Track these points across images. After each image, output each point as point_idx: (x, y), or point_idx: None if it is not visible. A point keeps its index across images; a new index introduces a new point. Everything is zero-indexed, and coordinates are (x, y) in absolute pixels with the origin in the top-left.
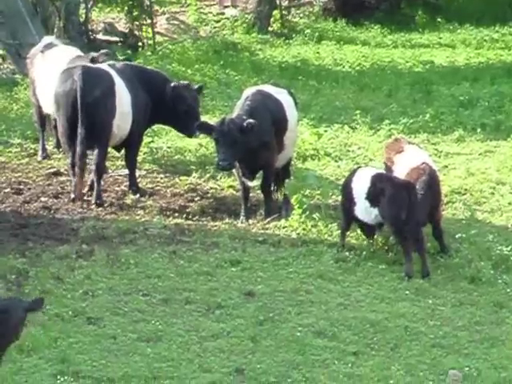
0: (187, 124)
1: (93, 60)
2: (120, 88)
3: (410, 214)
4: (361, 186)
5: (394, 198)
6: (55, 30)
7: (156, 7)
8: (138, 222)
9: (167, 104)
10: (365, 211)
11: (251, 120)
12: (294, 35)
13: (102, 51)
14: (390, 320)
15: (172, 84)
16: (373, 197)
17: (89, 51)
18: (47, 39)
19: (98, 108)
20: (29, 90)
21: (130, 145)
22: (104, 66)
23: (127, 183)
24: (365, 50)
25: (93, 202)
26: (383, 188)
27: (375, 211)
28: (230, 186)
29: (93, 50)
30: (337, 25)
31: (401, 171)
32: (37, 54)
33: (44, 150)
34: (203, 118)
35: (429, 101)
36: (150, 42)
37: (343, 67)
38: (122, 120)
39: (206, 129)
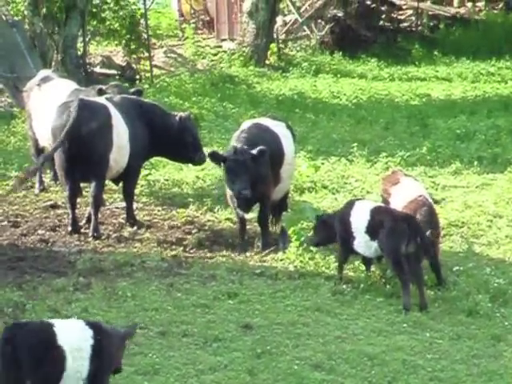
0: (193, 153)
1: (100, 92)
2: (117, 121)
3: (409, 247)
4: (360, 220)
5: (394, 230)
6: (53, 63)
7: (153, 40)
8: (136, 254)
9: (170, 136)
10: (365, 245)
11: (262, 147)
12: (291, 68)
13: (112, 83)
14: (387, 353)
15: (178, 116)
16: (372, 230)
17: (86, 84)
18: (44, 73)
19: (93, 141)
20: (26, 123)
21: (128, 178)
22: (101, 99)
23: (124, 216)
24: (362, 82)
25: (90, 234)
26: (382, 220)
27: (375, 244)
28: (228, 219)
29: (90, 83)
30: (334, 58)
31: (397, 203)
32: (34, 88)
33: (41, 182)
34: None
35: (426, 134)
36: (148, 74)
37: (340, 100)
38: (119, 153)
39: (218, 158)
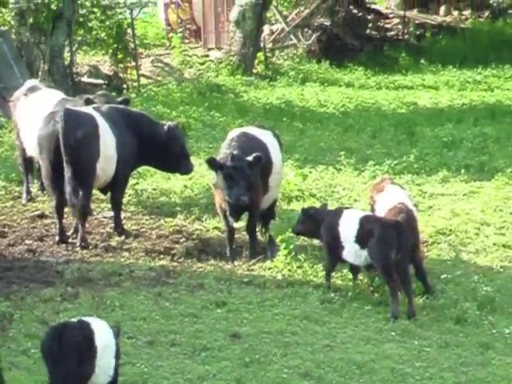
0: (181, 163)
1: (87, 102)
2: (104, 130)
3: (398, 254)
4: (349, 230)
5: (383, 238)
6: (40, 73)
7: (140, 50)
8: (123, 264)
9: (157, 145)
10: (354, 254)
11: (258, 153)
12: (278, 77)
13: (99, 92)
14: (376, 361)
15: (166, 125)
16: (362, 239)
17: (73, 94)
18: (31, 82)
19: (79, 150)
20: (13, 132)
21: (116, 187)
22: (88, 109)
23: (112, 225)
24: (349, 91)
25: (77, 244)
26: (372, 229)
27: (365, 253)
28: (216, 228)
29: (77, 92)
30: (321, 67)
31: (380, 211)
32: (20, 97)
33: (28, 192)
34: None
35: (413, 142)
36: (135, 84)
37: (327, 108)
38: (107, 163)
39: (216, 165)
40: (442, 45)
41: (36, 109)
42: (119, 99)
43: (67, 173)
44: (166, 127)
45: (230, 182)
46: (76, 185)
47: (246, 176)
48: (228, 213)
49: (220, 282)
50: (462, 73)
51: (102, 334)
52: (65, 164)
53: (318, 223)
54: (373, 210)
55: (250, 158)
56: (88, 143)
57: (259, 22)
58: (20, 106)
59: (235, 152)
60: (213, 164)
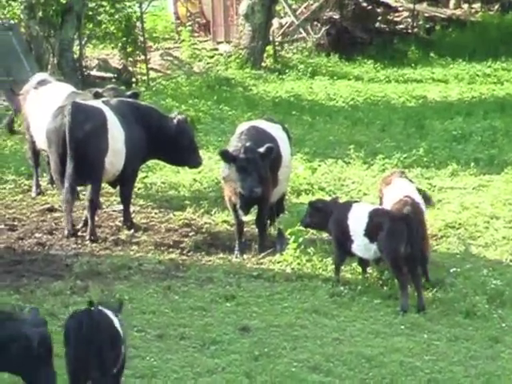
0: (190, 156)
1: (96, 95)
2: (113, 124)
3: (408, 247)
4: (358, 223)
5: (393, 231)
6: (49, 66)
7: (150, 43)
8: (133, 257)
9: (167, 139)
10: (364, 248)
11: (269, 144)
12: (287, 70)
13: (108, 86)
14: (385, 355)
15: (176, 118)
16: (372, 232)
17: (83, 87)
18: (40, 76)
19: (87, 144)
20: (22, 125)
21: (125, 181)
22: (96, 103)
23: (121, 219)
24: (358, 84)
25: (87, 238)
26: (381, 222)
27: (374, 247)
28: (225, 221)
29: (86, 86)
30: (330, 60)
31: (387, 204)
32: (30, 91)
33: (38, 186)
34: None
35: (422, 135)
36: (144, 77)
37: (336, 102)
38: (115, 156)
39: (229, 157)
40: (452, 38)
41: (46, 102)
42: (128, 93)
43: (68, 168)
44: (175, 121)
45: (244, 173)
46: (83, 178)
47: (259, 168)
48: (238, 205)
49: (229, 276)
50: (472, 66)
51: (115, 320)
52: (68, 159)
53: (327, 216)
54: (381, 203)
55: (261, 150)
56: (96, 137)
57: (268, 15)
58: (30, 99)
59: (247, 144)
60: (226, 156)
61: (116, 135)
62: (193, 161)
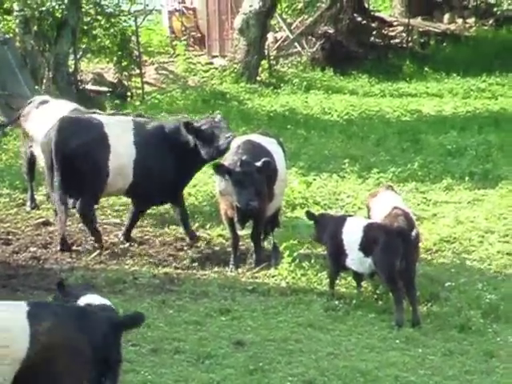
0: (204, 152)
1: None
2: (117, 140)
3: (403, 262)
4: (353, 237)
5: (388, 246)
6: (44, 80)
7: (145, 57)
8: (127, 271)
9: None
10: (358, 262)
11: (266, 158)
12: (282, 85)
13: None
14: (380, 369)
15: (182, 123)
16: (366, 247)
17: (78, 101)
18: (41, 97)
19: (74, 157)
20: (19, 141)
21: (140, 200)
22: (103, 118)
23: (116, 232)
24: (353, 99)
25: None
26: (376, 236)
27: (369, 261)
28: (220, 235)
29: (82, 100)
30: (325, 74)
31: (375, 216)
32: (32, 111)
33: (33, 200)
34: None
35: (417, 150)
36: (139, 91)
37: (331, 116)
38: (118, 173)
39: (224, 171)
40: (446, 53)
41: (49, 118)
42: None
43: (55, 181)
44: (183, 125)
45: (240, 187)
46: (72, 191)
47: (255, 181)
48: (235, 219)
49: (224, 290)
50: (466, 81)
51: None
52: (55, 172)
53: (322, 228)
54: (369, 216)
55: (258, 164)
56: (87, 152)
57: (263, 29)
58: (32, 117)
59: (244, 157)
60: (221, 170)
61: (120, 151)
62: (209, 155)
